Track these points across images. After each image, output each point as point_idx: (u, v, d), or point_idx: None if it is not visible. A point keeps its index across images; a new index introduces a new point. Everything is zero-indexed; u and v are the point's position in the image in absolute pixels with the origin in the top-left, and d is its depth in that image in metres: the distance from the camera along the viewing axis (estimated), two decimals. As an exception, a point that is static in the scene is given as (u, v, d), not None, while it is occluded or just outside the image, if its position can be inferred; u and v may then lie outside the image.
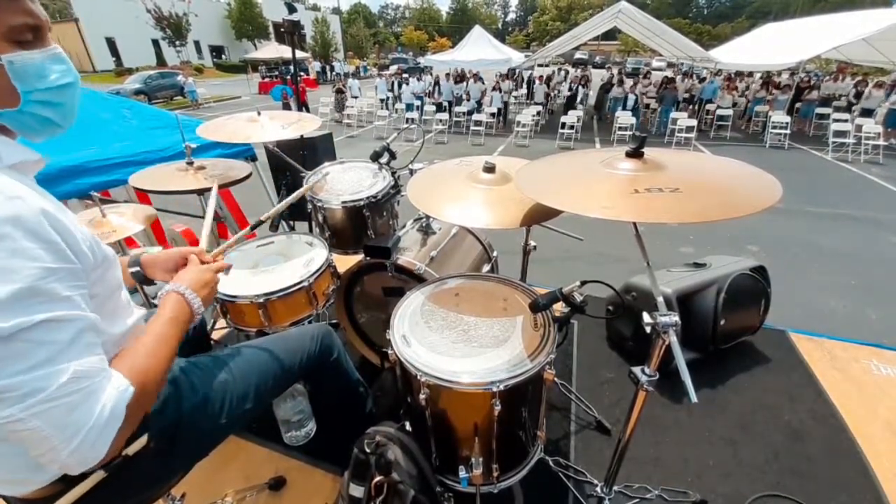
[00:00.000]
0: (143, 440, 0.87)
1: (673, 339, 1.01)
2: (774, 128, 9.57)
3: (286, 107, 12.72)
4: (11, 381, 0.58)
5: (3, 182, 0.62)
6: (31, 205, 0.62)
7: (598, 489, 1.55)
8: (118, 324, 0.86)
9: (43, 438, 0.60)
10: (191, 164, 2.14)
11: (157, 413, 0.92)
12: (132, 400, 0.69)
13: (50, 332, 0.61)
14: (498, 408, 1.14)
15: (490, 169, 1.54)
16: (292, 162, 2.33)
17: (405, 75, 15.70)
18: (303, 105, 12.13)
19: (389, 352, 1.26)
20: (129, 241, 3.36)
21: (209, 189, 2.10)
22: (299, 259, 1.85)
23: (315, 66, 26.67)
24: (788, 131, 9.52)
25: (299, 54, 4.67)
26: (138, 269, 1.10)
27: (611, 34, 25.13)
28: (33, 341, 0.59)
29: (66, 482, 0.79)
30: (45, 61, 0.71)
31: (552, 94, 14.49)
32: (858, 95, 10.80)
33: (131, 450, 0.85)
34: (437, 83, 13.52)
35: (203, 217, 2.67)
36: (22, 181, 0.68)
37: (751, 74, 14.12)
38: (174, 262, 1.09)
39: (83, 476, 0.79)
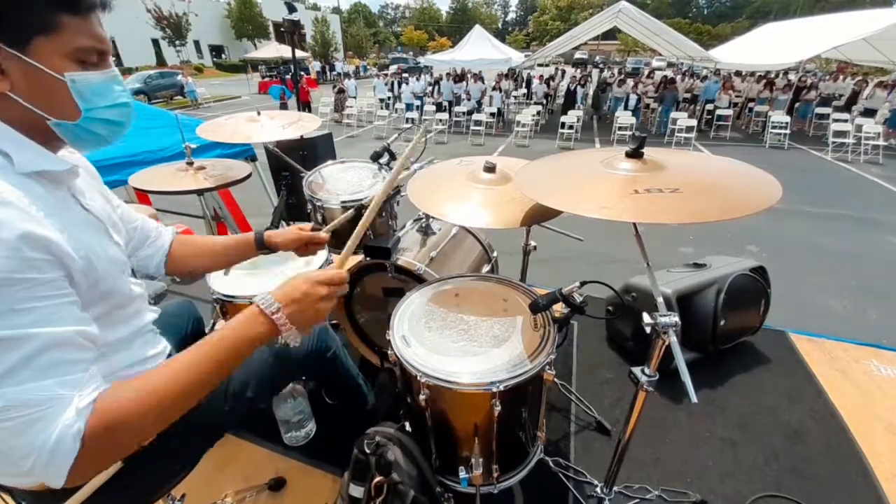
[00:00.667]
0: None
1: (673, 339, 1.01)
2: (774, 128, 9.57)
3: (283, 107, 12.72)
4: None
5: (1, 186, 0.61)
6: (13, 216, 0.59)
7: (597, 489, 1.55)
8: (119, 330, 0.86)
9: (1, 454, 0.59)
10: (191, 164, 2.14)
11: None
12: (88, 435, 0.60)
13: None
14: (498, 408, 1.14)
15: (490, 169, 1.54)
16: (292, 162, 2.33)
17: (405, 75, 15.71)
18: (305, 105, 12.12)
19: (389, 352, 1.26)
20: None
21: (209, 190, 2.11)
22: (298, 259, 1.85)
23: (315, 65, 26.68)
24: (788, 131, 9.52)
25: (299, 54, 4.67)
26: (265, 249, 1.18)
27: (611, 34, 25.11)
28: None
29: None
30: (105, 82, 0.75)
31: (552, 94, 14.50)
32: (855, 96, 10.81)
33: None
34: (437, 83, 13.52)
35: (203, 217, 2.67)
36: (31, 190, 0.67)
37: (752, 74, 14.12)
38: (297, 238, 1.17)
39: None
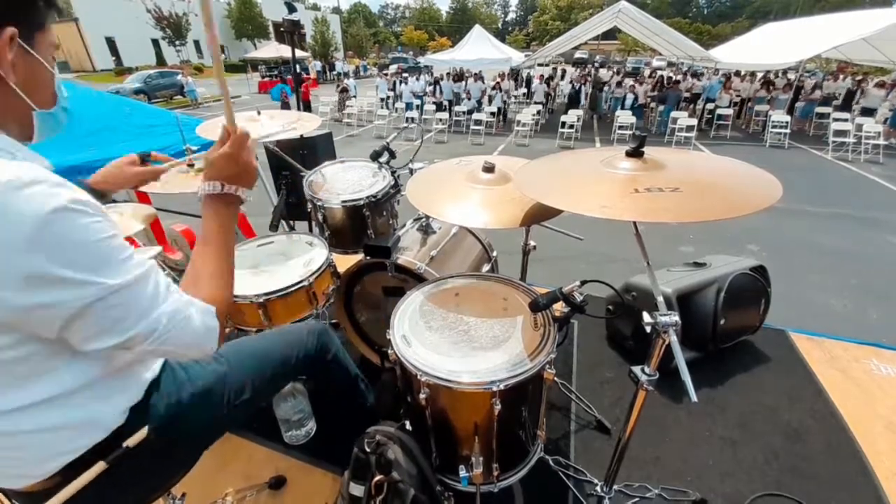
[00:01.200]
0: (143, 432, 0.87)
1: (673, 338, 1.01)
2: (774, 127, 9.57)
3: (285, 106, 12.72)
4: (131, 333, 0.69)
5: (45, 172, 0.64)
6: (75, 189, 0.67)
7: (597, 488, 1.56)
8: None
9: (178, 355, 0.79)
10: (191, 166, 2.14)
11: (157, 405, 0.92)
12: (219, 311, 0.82)
13: (141, 287, 0.70)
14: (498, 407, 1.14)
15: (490, 169, 1.54)
16: (292, 161, 2.33)
17: (405, 74, 15.71)
18: (305, 105, 12.12)
19: (389, 351, 1.27)
20: (129, 241, 3.36)
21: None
22: (299, 259, 1.85)
23: (315, 65, 26.66)
24: (788, 130, 9.52)
25: (299, 54, 4.67)
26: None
27: (611, 34, 25.08)
28: (131, 298, 0.69)
29: (68, 474, 0.80)
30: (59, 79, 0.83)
31: (552, 94, 14.49)
32: (851, 95, 10.80)
33: (131, 441, 0.85)
34: (437, 82, 13.51)
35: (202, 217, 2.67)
36: None
37: (753, 74, 14.12)
38: (124, 165, 1.21)
39: (83, 468, 0.80)
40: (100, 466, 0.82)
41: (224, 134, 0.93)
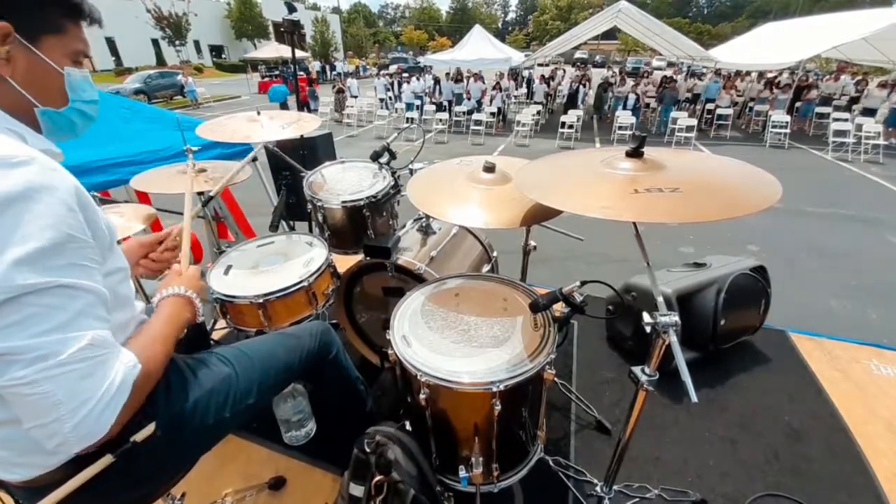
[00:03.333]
0: (150, 428, 0.87)
1: (673, 338, 1.01)
2: (774, 127, 9.57)
3: (284, 106, 12.72)
4: (27, 343, 0.60)
5: (43, 157, 0.68)
6: (66, 178, 0.68)
7: (597, 489, 1.55)
8: (125, 310, 0.90)
9: (52, 405, 0.62)
10: (192, 166, 2.14)
11: (165, 403, 0.93)
12: (139, 377, 0.73)
13: (67, 297, 0.64)
14: (498, 408, 1.14)
15: (490, 169, 1.54)
16: (292, 162, 2.33)
17: (405, 75, 15.70)
18: (304, 105, 12.11)
19: (389, 352, 1.27)
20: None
21: (209, 191, 2.11)
22: (299, 259, 1.85)
23: (315, 65, 26.65)
24: (788, 131, 9.52)
25: (299, 54, 4.67)
26: None
27: (611, 34, 25.12)
28: (50, 305, 0.62)
29: (72, 468, 0.79)
30: (85, 79, 0.87)
31: (552, 94, 14.49)
32: (854, 100, 10.79)
33: (139, 436, 0.85)
34: (437, 83, 13.51)
35: (203, 217, 2.67)
36: None
37: (748, 74, 14.12)
38: (135, 254, 1.22)
39: (90, 460, 0.80)
40: (107, 459, 0.81)
41: (190, 259, 1.12)
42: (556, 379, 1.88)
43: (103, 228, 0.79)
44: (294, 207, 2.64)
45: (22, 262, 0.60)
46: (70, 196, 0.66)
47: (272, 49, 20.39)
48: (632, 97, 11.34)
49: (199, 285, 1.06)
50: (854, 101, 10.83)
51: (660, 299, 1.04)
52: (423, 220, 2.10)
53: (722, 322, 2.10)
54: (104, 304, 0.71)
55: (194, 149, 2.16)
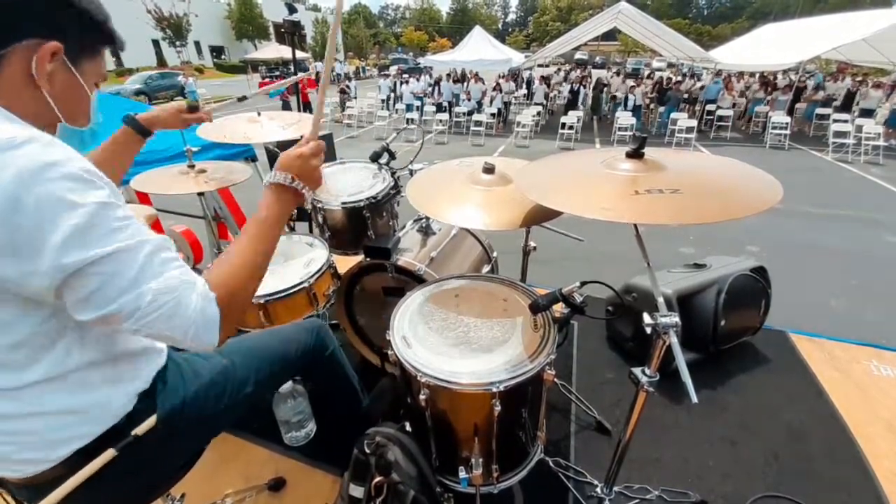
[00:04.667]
0: (151, 420, 0.88)
1: (673, 339, 1.01)
2: (774, 128, 9.57)
3: (285, 106, 12.72)
4: (111, 308, 0.66)
5: (44, 135, 0.68)
6: (68, 150, 0.69)
7: (598, 490, 1.55)
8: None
9: (165, 337, 0.72)
10: (192, 167, 2.14)
11: (164, 395, 0.94)
12: (221, 300, 0.75)
13: (124, 260, 0.67)
14: (498, 408, 1.14)
15: (490, 170, 1.54)
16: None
17: (405, 75, 15.71)
18: (305, 106, 12.11)
19: (389, 352, 1.27)
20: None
21: (210, 191, 2.11)
22: (299, 260, 1.86)
23: (316, 66, 26.68)
24: (788, 132, 9.53)
25: (299, 55, 4.67)
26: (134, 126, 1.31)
27: (611, 35, 25.14)
28: (111, 272, 0.66)
29: (74, 464, 0.80)
30: (97, 102, 0.90)
31: (552, 95, 14.50)
32: (850, 96, 10.79)
33: (140, 430, 0.86)
34: (437, 83, 13.52)
35: (204, 217, 2.68)
36: None
37: (752, 75, 14.13)
38: (173, 111, 1.30)
39: (92, 456, 0.81)
40: (109, 454, 0.82)
41: (305, 140, 0.98)
42: (556, 380, 1.88)
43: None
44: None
45: (67, 244, 0.62)
46: (80, 165, 0.67)
47: (273, 50, 20.44)
48: (630, 98, 11.34)
49: (301, 165, 0.93)
50: (850, 97, 10.82)
51: (660, 300, 1.04)
52: (423, 220, 2.10)
53: (722, 323, 2.10)
54: (162, 247, 0.73)
55: (194, 149, 2.16)
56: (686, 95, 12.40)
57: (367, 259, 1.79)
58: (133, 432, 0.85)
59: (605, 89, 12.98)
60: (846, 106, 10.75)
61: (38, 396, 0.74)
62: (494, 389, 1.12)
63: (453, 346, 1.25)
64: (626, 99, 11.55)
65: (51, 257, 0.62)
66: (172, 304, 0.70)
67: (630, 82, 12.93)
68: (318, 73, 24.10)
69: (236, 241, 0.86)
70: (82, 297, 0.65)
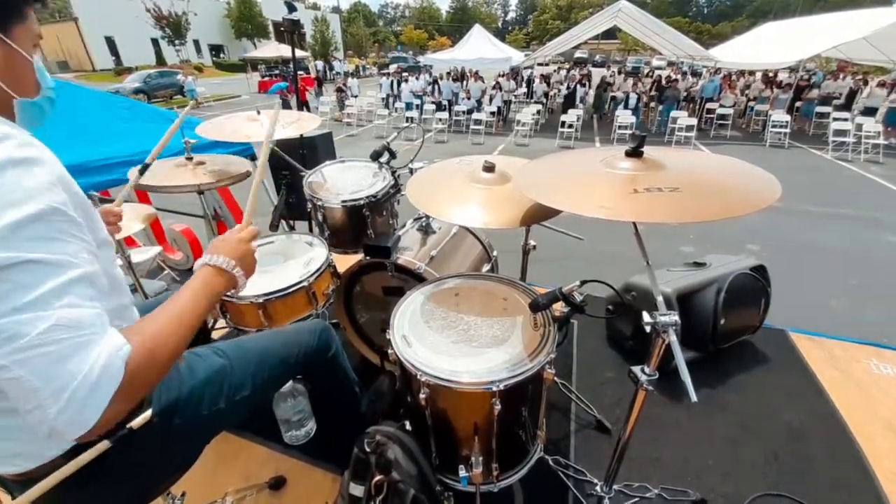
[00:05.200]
0: (147, 414, 0.87)
1: (673, 338, 1.00)
2: (774, 127, 9.56)
3: (285, 104, 12.72)
4: None
5: (21, 134, 0.67)
6: (45, 152, 0.66)
7: (597, 488, 1.55)
8: (119, 295, 0.89)
9: (31, 391, 0.56)
10: (190, 159, 2.14)
11: (159, 391, 0.94)
12: (132, 361, 0.62)
13: (38, 274, 0.58)
14: (498, 407, 1.14)
15: (490, 168, 1.54)
16: (292, 161, 2.33)
17: (405, 74, 15.69)
18: (303, 105, 12.11)
19: (390, 351, 1.27)
20: (129, 241, 3.36)
21: (209, 187, 2.11)
22: (299, 259, 1.85)
23: (317, 65, 26.65)
24: (788, 130, 9.51)
25: (299, 53, 4.66)
26: None
27: (611, 33, 25.13)
28: (18, 282, 0.56)
29: (71, 458, 0.79)
30: (42, 65, 0.83)
31: (552, 93, 14.49)
32: (852, 95, 10.77)
33: (136, 423, 0.84)
34: (436, 82, 13.50)
35: (203, 216, 2.68)
36: None
37: (752, 73, 14.12)
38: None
39: (86, 446, 0.78)
40: (103, 445, 0.81)
41: (242, 225, 0.99)
42: (555, 378, 1.88)
43: (92, 214, 0.76)
44: (294, 207, 2.64)
45: None
46: (50, 170, 0.64)
47: (272, 48, 20.42)
48: (633, 97, 11.31)
49: (241, 251, 0.92)
50: (852, 96, 10.80)
51: (659, 299, 1.04)
52: (423, 219, 2.10)
53: (722, 321, 2.10)
54: (89, 282, 0.64)
55: (193, 142, 2.16)
56: (685, 94, 12.38)
57: (367, 258, 1.79)
58: (128, 425, 0.83)
59: (609, 88, 12.95)
60: (847, 105, 10.73)
61: None
62: (494, 388, 1.12)
63: (453, 345, 1.25)
64: (629, 98, 11.48)
65: None
66: (72, 345, 0.57)
67: (630, 80, 12.91)
68: (318, 72, 24.10)
69: (164, 309, 0.75)
70: None
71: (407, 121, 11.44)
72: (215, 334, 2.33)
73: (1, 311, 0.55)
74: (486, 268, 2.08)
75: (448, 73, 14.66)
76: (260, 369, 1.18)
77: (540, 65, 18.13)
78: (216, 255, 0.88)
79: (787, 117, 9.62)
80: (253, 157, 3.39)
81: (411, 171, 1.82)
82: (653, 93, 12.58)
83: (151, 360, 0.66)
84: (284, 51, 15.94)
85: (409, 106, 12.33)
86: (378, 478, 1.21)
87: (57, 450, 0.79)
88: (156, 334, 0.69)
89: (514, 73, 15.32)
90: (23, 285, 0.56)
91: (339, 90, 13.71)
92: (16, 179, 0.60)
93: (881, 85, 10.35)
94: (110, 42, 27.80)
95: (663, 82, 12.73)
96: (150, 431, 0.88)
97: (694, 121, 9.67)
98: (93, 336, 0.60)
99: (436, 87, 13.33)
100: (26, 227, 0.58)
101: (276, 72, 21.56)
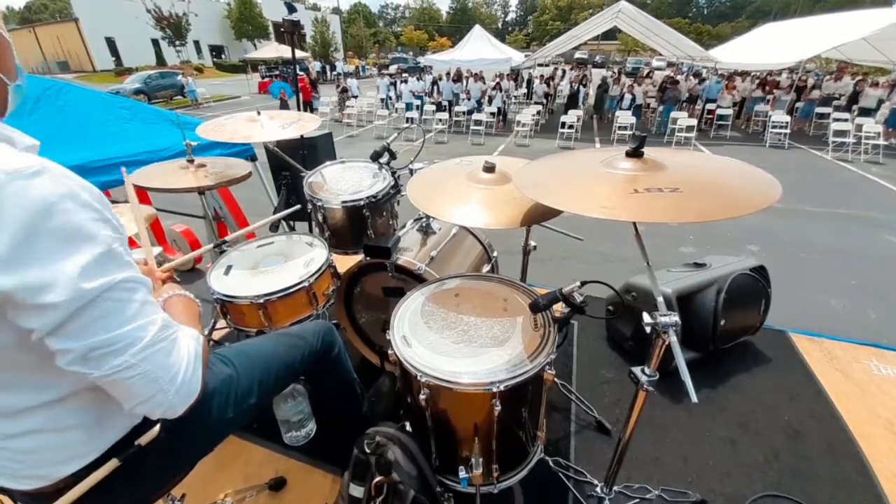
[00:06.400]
0: (155, 430, 0.88)
1: (673, 339, 1.01)
2: (774, 127, 9.56)
3: (284, 105, 12.72)
4: (113, 335, 0.66)
5: (52, 164, 0.65)
6: (78, 180, 0.67)
7: (598, 489, 1.55)
8: None
9: (152, 381, 0.70)
10: (191, 161, 2.14)
11: None
12: (203, 344, 0.82)
13: (129, 291, 0.69)
14: (498, 408, 1.14)
15: (490, 169, 1.54)
16: (292, 162, 2.33)
17: (405, 74, 15.70)
18: (307, 105, 12.12)
19: (389, 352, 1.26)
20: (129, 242, 3.36)
21: (209, 188, 2.12)
22: (299, 259, 1.85)
23: (315, 65, 26.67)
24: (788, 131, 9.51)
25: (299, 54, 4.67)
26: None
27: (611, 34, 25.12)
28: (121, 300, 0.67)
29: (80, 477, 0.80)
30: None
31: (552, 94, 14.49)
32: (854, 96, 10.77)
33: (144, 440, 0.86)
34: (436, 82, 13.51)
35: (204, 217, 2.68)
36: None
37: (748, 74, 14.14)
38: None
39: (96, 466, 0.81)
40: (113, 464, 0.82)
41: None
42: (556, 379, 1.88)
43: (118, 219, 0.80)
44: (295, 216, 2.64)
45: (86, 270, 0.63)
46: (90, 195, 0.66)
47: (272, 49, 20.42)
48: (627, 97, 11.30)
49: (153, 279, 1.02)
50: (854, 99, 10.81)
51: (660, 299, 1.04)
52: (424, 220, 2.10)
53: (722, 322, 2.10)
54: (150, 290, 0.74)
55: (193, 144, 2.16)
56: (687, 94, 12.37)
57: (367, 258, 1.79)
58: (136, 442, 0.85)
59: (610, 89, 12.94)
60: (848, 106, 10.73)
61: (43, 417, 0.74)
62: (494, 389, 1.12)
63: (453, 346, 1.25)
64: (633, 98, 11.45)
65: (69, 285, 0.61)
66: (173, 339, 0.73)
67: (628, 81, 12.90)
68: (317, 72, 24.09)
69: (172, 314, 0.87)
70: (83, 324, 0.63)
71: (407, 121, 11.44)
72: (215, 335, 2.33)
73: (118, 322, 0.66)
74: (486, 268, 2.08)
75: (447, 74, 14.67)
76: (266, 376, 1.18)
77: (540, 65, 18.12)
78: (168, 291, 0.99)
79: (787, 118, 9.61)
80: (253, 158, 3.40)
81: (411, 172, 1.82)
82: (656, 94, 12.57)
83: (205, 346, 0.84)
84: (284, 52, 15.95)
85: (409, 106, 12.34)
86: (378, 479, 1.21)
87: (63, 472, 0.79)
88: (198, 330, 0.86)
89: (514, 74, 15.33)
90: (126, 301, 0.68)
91: (344, 90, 13.74)
92: (72, 216, 0.63)
93: (874, 86, 10.35)
94: (111, 43, 27.85)
95: (663, 83, 12.72)
96: (157, 446, 0.89)
97: (694, 121, 9.67)
98: (177, 329, 0.75)
99: (435, 87, 13.34)
100: (106, 255, 0.66)
101: (277, 72, 21.58)
